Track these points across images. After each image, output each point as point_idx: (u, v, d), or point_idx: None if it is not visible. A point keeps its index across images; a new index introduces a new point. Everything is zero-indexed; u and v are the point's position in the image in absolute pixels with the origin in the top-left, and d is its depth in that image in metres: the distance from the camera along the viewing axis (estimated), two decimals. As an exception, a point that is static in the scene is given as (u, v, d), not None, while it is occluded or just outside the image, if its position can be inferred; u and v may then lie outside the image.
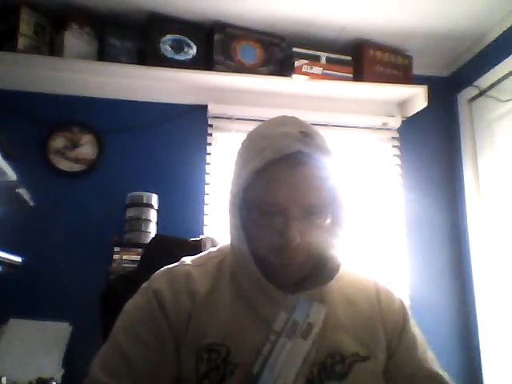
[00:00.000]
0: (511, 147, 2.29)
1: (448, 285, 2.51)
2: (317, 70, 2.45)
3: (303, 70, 2.43)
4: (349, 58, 2.51)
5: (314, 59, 2.45)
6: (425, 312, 2.25)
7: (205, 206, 2.42)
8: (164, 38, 2.33)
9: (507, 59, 2.27)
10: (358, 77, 2.50)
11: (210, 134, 2.51)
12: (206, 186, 2.44)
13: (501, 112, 2.36)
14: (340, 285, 0.90)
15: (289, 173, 0.79)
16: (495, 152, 2.40)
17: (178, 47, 2.35)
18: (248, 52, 2.42)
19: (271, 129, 0.85)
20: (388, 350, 0.89)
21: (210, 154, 2.49)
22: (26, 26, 2.21)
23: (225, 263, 0.91)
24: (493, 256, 2.37)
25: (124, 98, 2.44)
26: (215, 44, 2.37)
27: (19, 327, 1.99)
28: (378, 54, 2.52)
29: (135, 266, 1.72)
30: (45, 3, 2.25)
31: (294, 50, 2.43)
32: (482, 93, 2.47)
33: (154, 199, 2.26)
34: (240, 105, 2.51)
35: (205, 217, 2.40)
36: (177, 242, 1.34)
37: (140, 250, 2.04)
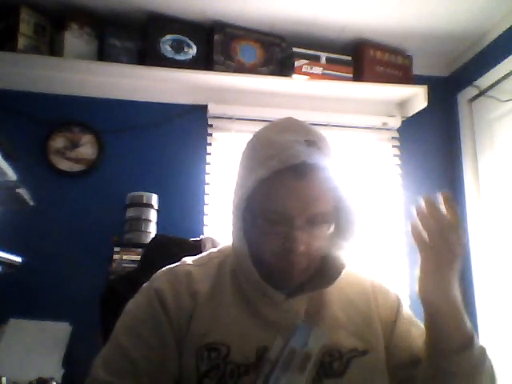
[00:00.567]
0: (511, 147, 2.29)
1: (448, 285, 2.51)
2: (317, 69, 2.45)
3: (303, 70, 2.43)
4: (349, 58, 2.51)
5: (314, 59, 2.45)
6: (425, 312, 2.25)
7: (205, 206, 2.42)
8: (164, 38, 2.33)
9: (507, 59, 2.27)
10: (358, 77, 2.50)
11: (210, 134, 2.51)
12: (205, 186, 2.44)
13: (501, 112, 2.36)
14: (338, 284, 0.91)
15: (294, 183, 0.80)
16: (495, 152, 2.40)
17: (178, 47, 2.35)
18: (248, 52, 2.42)
19: (277, 135, 0.85)
20: (385, 340, 0.90)
21: (210, 154, 2.49)
22: (25, 26, 2.21)
23: (226, 264, 0.92)
24: (493, 256, 2.37)
25: (124, 98, 2.44)
26: (215, 44, 2.37)
27: (19, 327, 1.99)
28: (378, 54, 2.52)
29: (135, 266, 1.72)
30: (45, 3, 2.25)
31: (294, 50, 2.44)
32: (482, 93, 2.47)
33: (154, 199, 2.26)
34: (240, 105, 2.51)
35: (205, 217, 2.40)
36: (177, 242, 1.34)
37: (140, 250, 2.04)
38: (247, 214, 0.83)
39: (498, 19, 2.31)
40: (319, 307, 0.88)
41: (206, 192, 2.43)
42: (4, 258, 1.74)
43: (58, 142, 2.36)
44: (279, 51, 2.47)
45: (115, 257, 2.07)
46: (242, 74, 2.38)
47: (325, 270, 0.88)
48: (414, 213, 0.81)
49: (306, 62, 2.44)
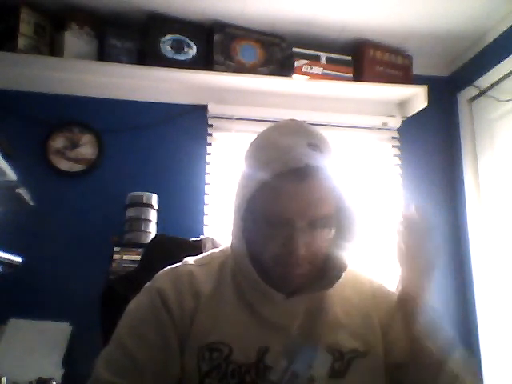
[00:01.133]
0: (511, 147, 2.29)
1: (448, 285, 2.51)
2: (317, 69, 2.45)
3: (303, 70, 2.43)
4: (349, 58, 2.51)
5: (314, 59, 2.45)
6: (425, 312, 2.25)
7: (205, 206, 2.42)
8: (164, 38, 2.33)
9: (507, 59, 2.27)
10: (358, 77, 2.50)
11: (210, 134, 2.51)
12: (206, 186, 2.44)
13: (501, 112, 2.36)
14: (337, 284, 0.91)
15: (296, 186, 0.80)
16: (495, 152, 2.40)
17: (178, 47, 2.35)
18: (248, 52, 2.42)
19: (280, 137, 0.85)
20: (383, 341, 0.89)
21: (209, 154, 2.49)
22: (26, 25, 2.21)
23: (227, 264, 0.92)
24: (493, 256, 2.37)
25: (124, 98, 2.44)
26: (215, 44, 2.37)
27: (19, 327, 1.99)
28: (378, 54, 2.52)
29: (135, 265, 1.72)
30: (45, 3, 2.25)
31: (294, 50, 2.44)
32: (482, 93, 2.47)
33: (154, 199, 2.26)
34: (240, 105, 2.51)
35: (205, 217, 2.40)
36: (177, 242, 1.34)
37: (140, 250, 2.03)
38: (248, 214, 0.83)
39: (498, 19, 2.31)
40: (319, 307, 0.88)
41: (206, 192, 2.43)
42: (4, 258, 1.74)
43: (58, 142, 2.36)
44: (279, 51, 2.47)
45: (115, 257, 2.07)
46: (242, 73, 2.38)
47: (326, 272, 0.88)
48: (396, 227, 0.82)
49: (306, 62, 2.44)
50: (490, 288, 2.37)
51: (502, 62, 2.30)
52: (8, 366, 1.81)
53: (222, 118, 2.51)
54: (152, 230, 2.22)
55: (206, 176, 2.45)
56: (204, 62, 2.38)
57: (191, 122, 2.48)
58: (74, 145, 2.38)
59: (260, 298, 0.86)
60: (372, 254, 2.46)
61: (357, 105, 2.60)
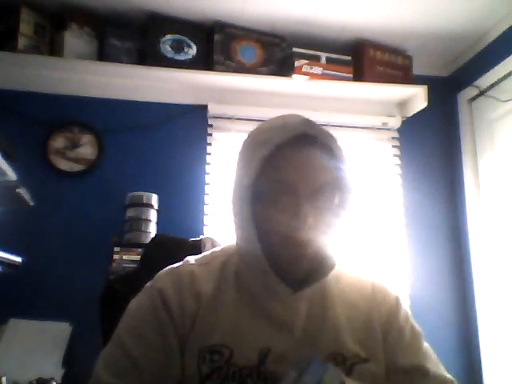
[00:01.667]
0: (511, 147, 2.29)
1: (448, 285, 2.51)
2: (317, 69, 2.45)
3: (303, 69, 2.43)
4: (349, 58, 2.51)
5: (314, 59, 2.45)
6: (425, 312, 2.25)
7: (205, 206, 2.42)
8: (164, 38, 2.33)
9: (507, 59, 2.27)
10: (358, 77, 2.50)
11: (210, 134, 2.51)
12: (206, 186, 2.44)
13: (501, 112, 2.36)
14: (339, 286, 0.91)
15: (297, 154, 0.81)
16: (495, 152, 2.40)
17: (178, 47, 2.35)
18: (248, 52, 2.42)
19: (273, 122, 0.87)
20: (383, 344, 0.88)
21: (210, 154, 2.49)
22: (26, 26, 2.21)
23: (228, 264, 0.91)
24: (493, 256, 2.37)
25: (124, 98, 2.44)
26: (215, 44, 2.37)
27: (19, 327, 1.99)
28: (378, 54, 2.52)
29: (135, 265, 1.72)
30: (45, 3, 2.25)
31: (294, 50, 2.44)
32: (482, 93, 2.47)
33: (154, 199, 2.26)
34: (240, 105, 2.51)
35: (205, 217, 2.40)
36: (177, 242, 1.34)
37: (140, 250, 2.04)
38: (254, 201, 0.82)
39: (498, 19, 2.31)
40: (322, 310, 0.88)
41: (206, 192, 2.43)
42: (4, 257, 1.74)
43: (58, 142, 2.36)
44: (279, 51, 2.47)
45: (115, 257, 2.07)
46: (242, 73, 2.38)
47: (324, 260, 0.86)
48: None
49: (306, 61, 2.44)
50: (489, 288, 2.37)
51: (502, 62, 2.30)
52: (8, 366, 1.80)
53: (222, 118, 2.51)
54: (152, 229, 2.22)
55: (206, 176, 2.45)
56: (204, 62, 2.38)
57: (191, 122, 2.48)
58: (74, 145, 2.38)
59: (265, 294, 0.85)
60: (372, 251, 2.46)
61: (357, 105, 2.60)
